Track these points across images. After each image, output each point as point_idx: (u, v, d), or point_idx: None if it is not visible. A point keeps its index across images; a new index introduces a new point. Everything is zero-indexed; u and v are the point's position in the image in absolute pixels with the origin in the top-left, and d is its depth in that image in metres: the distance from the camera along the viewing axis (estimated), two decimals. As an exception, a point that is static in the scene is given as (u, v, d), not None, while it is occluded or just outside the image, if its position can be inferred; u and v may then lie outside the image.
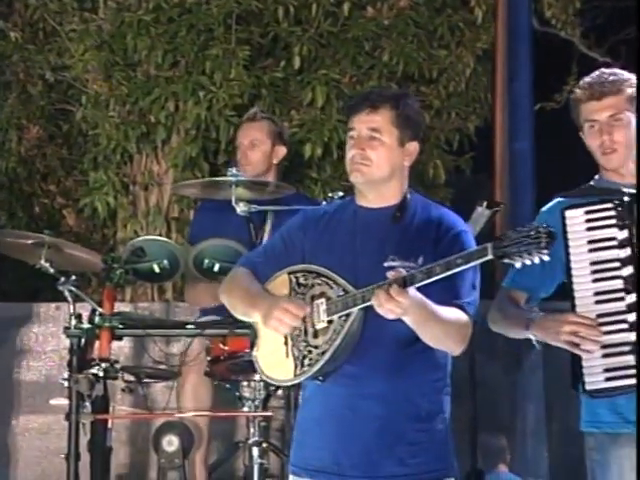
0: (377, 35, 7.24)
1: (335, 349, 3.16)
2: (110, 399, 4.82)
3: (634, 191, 3.31)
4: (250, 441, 4.54)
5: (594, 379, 3.19)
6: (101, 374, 4.57)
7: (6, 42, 7.30)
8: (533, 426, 6.20)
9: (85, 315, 4.70)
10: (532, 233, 2.96)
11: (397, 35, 7.24)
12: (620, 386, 3.18)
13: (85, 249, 5.00)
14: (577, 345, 3.19)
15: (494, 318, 3.46)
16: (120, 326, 4.69)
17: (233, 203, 4.64)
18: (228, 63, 6.89)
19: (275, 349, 3.26)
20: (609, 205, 3.29)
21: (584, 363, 3.20)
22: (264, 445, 4.51)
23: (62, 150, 7.61)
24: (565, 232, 3.29)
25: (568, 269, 3.27)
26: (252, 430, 4.55)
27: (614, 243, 3.25)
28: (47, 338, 6.17)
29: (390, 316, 3.06)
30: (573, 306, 3.25)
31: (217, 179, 4.99)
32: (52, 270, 4.69)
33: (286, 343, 3.23)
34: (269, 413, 4.53)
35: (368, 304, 3.11)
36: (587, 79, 3.42)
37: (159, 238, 5.43)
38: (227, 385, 4.74)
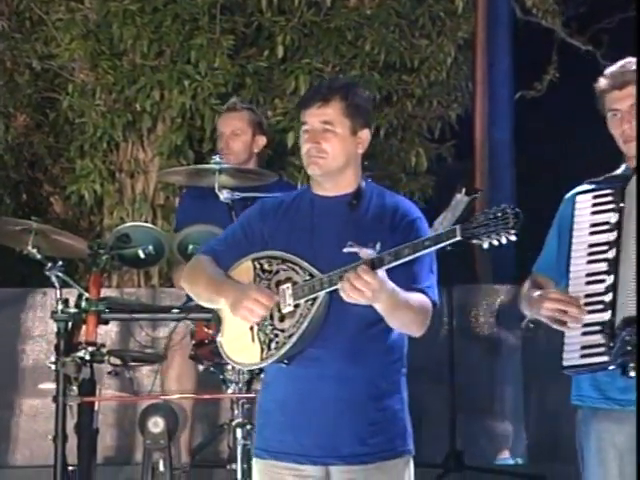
0: (359, 25, 7.27)
1: (302, 332, 3.23)
2: (97, 382, 4.88)
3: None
4: (234, 423, 4.58)
5: (570, 356, 3.26)
6: (88, 357, 4.62)
7: (-7, 31, 7.34)
8: (511, 407, 6.29)
9: (72, 300, 4.76)
10: (499, 214, 3.04)
11: (379, 25, 7.27)
12: (589, 363, 3.24)
13: (72, 235, 5.02)
14: (559, 321, 3.24)
15: (520, 303, 3.50)
16: (106, 310, 4.74)
17: (216, 190, 4.71)
18: (213, 52, 6.93)
19: (240, 334, 3.30)
20: (611, 190, 3.36)
21: (565, 340, 3.27)
22: (248, 427, 4.54)
23: (49, 138, 7.60)
24: (573, 216, 3.37)
25: (569, 250, 3.34)
26: (236, 412, 4.60)
27: (608, 227, 3.32)
28: (35, 323, 6.21)
29: (361, 300, 3.11)
30: (567, 285, 3.32)
31: (201, 166, 5.05)
32: (39, 256, 4.73)
33: (252, 328, 3.29)
34: (252, 395, 4.59)
35: (335, 287, 3.17)
36: (611, 69, 3.44)
37: (144, 224, 5.47)
38: (211, 368, 4.79)
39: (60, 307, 4.70)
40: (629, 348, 3.18)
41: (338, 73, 7.28)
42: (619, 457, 3.28)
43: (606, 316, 3.24)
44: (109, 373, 4.94)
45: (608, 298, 3.25)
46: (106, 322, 4.91)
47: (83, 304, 4.71)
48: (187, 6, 7.00)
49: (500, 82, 7.04)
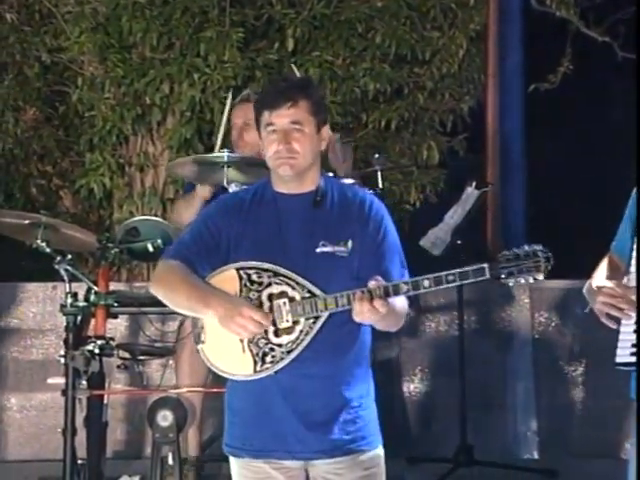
0: (370, 17, 7.30)
1: (302, 350, 3.27)
2: (106, 376, 4.95)
3: None
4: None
5: (622, 352, 3.27)
6: (97, 351, 4.70)
7: (2, 24, 7.32)
8: (523, 402, 6.33)
9: (81, 294, 4.83)
10: (530, 254, 3.14)
11: (390, 17, 7.31)
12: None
13: (80, 229, 5.08)
14: (610, 316, 3.26)
15: (588, 287, 3.49)
16: (115, 304, 4.81)
17: (224, 183, 4.77)
18: (222, 45, 6.97)
19: (228, 344, 3.29)
20: None
21: (620, 337, 3.28)
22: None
23: (58, 132, 7.63)
24: None
25: (632, 244, 3.32)
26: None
27: None
28: (44, 317, 6.26)
29: (365, 322, 3.23)
30: (630, 274, 3.29)
31: (209, 155, 5.04)
32: (48, 250, 4.79)
33: (242, 340, 3.28)
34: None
35: (341, 310, 3.22)
36: None
37: (153, 218, 5.49)
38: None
39: (69, 301, 4.77)
40: None
41: (349, 66, 7.32)
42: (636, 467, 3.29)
43: None
44: (118, 367, 5.01)
45: None
46: (115, 316, 4.98)
47: (92, 298, 4.78)
48: (197, -1, 7.05)
49: (512, 74, 7.05)
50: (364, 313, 3.17)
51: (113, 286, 5.06)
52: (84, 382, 4.73)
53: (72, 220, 6.90)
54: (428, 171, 7.61)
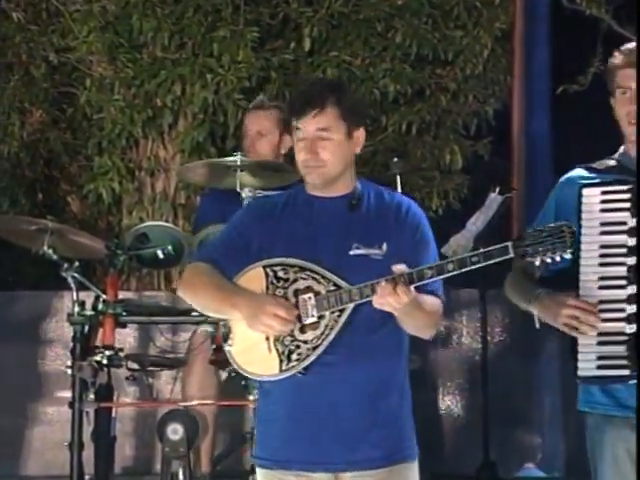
0: (390, 15, 7.30)
1: (328, 344, 3.30)
2: (114, 389, 4.98)
3: None
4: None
5: (586, 366, 3.27)
6: (105, 362, 4.72)
7: (8, 23, 7.36)
8: (549, 417, 6.33)
9: (89, 303, 4.86)
10: (555, 231, 3.17)
11: (410, 15, 7.31)
12: (610, 376, 3.26)
13: (88, 235, 5.12)
14: (575, 329, 3.26)
15: (507, 288, 3.53)
16: (124, 313, 4.83)
17: (237, 188, 4.79)
18: (236, 45, 6.98)
19: (255, 344, 3.34)
20: (625, 187, 3.33)
21: (579, 349, 3.28)
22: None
23: (66, 135, 7.65)
24: (580, 211, 3.35)
25: (577, 249, 3.31)
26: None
27: (624, 228, 3.31)
28: (51, 327, 6.31)
29: (386, 308, 3.22)
30: (577, 287, 3.32)
31: (221, 160, 5.06)
32: (55, 257, 4.83)
33: (268, 338, 3.33)
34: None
35: (366, 300, 3.26)
36: (629, 45, 3.41)
37: (162, 223, 5.54)
38: (233, 374, 4.85)
39: (76, 309, 4.80)
40: None
41: (368, 66, 7.33)
42: (636, 467, 3.29)
43: (629, 328, 3.24)
44: (127, 379, 5.02)
45: (631, 309, 3.25)
46: (124, 325, 5.00)
47: (100, 306, 4.81)
48: (209, -4, 7.08)
49: (539, 75, 7.04)
50: (385, 297, 3.20)
51: (122, 294, 5.09)
52: (92, 394, 4.75)
53: (80, 226, 6.92)
54: (451, 176, 7.61)
